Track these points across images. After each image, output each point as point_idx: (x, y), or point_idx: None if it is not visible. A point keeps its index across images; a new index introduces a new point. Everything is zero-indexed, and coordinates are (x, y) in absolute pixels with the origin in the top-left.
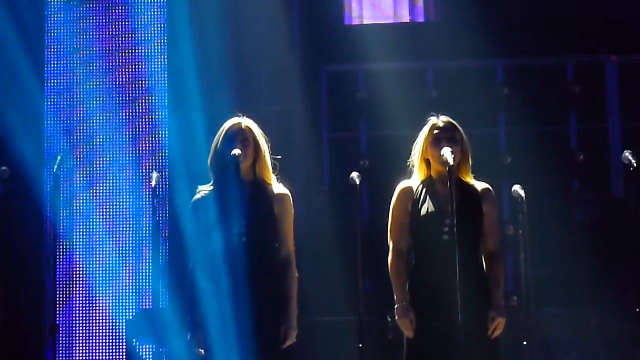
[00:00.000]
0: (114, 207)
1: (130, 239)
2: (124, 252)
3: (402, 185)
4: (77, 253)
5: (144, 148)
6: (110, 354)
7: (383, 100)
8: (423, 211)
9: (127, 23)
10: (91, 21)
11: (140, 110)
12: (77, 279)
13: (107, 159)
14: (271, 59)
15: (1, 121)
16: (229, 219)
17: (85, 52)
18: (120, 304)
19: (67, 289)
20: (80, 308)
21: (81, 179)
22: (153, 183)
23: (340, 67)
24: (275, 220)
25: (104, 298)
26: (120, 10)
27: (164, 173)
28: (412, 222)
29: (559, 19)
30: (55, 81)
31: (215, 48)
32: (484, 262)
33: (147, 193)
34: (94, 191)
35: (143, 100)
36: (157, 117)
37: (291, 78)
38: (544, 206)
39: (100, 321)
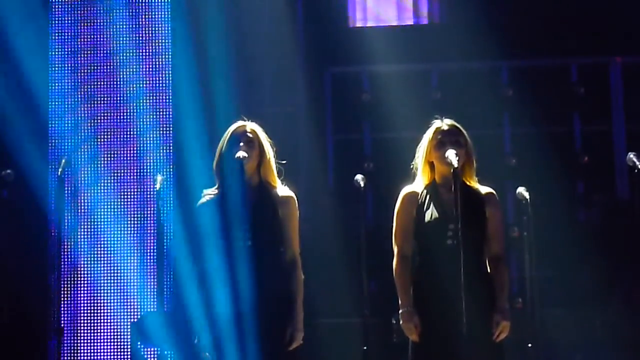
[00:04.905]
0: (119, 210)
1: (135, 241)
2: (128, 254)
3: (406, 190)
4: (82, 255)
5: (148, 151)
6: (115, 356)
7: (387, 102)
8: (427, 217)
9: (131, 24)
10: (95, 22)
11: (145, 113)
12: (82, 281)
13: (112, 162)
14: (275, 61)
15: (6, 124)
16: (234, 223)
17: (90, 53)
18: (125, 307)
19: (72, 291)
20: (85, 311)
21: (86, 181)
22: (158, 186)
23: (344, 69)
24: (281, 223)
25: (109, 301)
26: (124, 11)
27: (168, 176)
28: (416, 228)
29: (563, 21)
30: (60, 83)
31: (220, 50)
32: (488, 266)
33: (152, 196)
34: (99, 194)
35: (147, 103)
36: (161, 120)
37: (296, 80)
38: (549, 208)
39: (105, 324)
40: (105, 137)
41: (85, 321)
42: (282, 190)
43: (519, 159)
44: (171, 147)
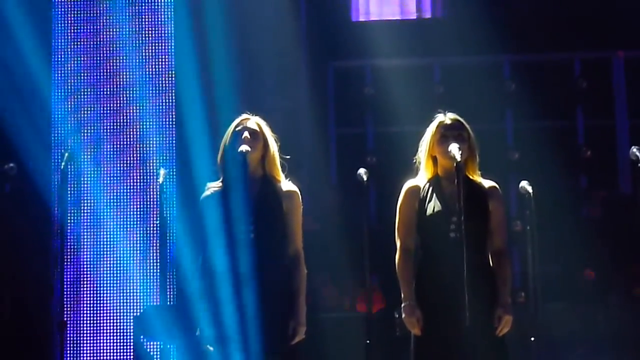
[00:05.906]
0: (122, 203)
1: (138, 235)
2: (131, 248)
3: (409, 184)
4: (85, 250)
5: (152, 145)
6: (118, 351)
7: (390, 97)
8: (429, 210)
9: (134, 22)
10: (98, 20)
11: (148, 108)
12: (85, 276)
13: (115, 156)
14: (278, 56)
15: (9, 118)
16: (238, 216)
17: (93, 47)
18: (128, 301)
19: (75, 286)
20: (88, 305)
21: (89, 175)
22: (160, 180)
23: (347, 64)
24: (284, 217)
25: (112, 295)
26: (127, 10)
27: (171, 170)
28: (419, 221)
29: (566, 15)
30: (64, 78)
31: (223, 45)
32: (490, 260)
33: (155, 190)
34: (102, 188)
35: (151, 97)
36: (164, 114)
37: (298, 74)
38: (552, 202)
39: (108, 318)
40: (108, 131)
41: (88, 315)
42: (286, 184)
43: (521, 153)
44: (174, 141)
